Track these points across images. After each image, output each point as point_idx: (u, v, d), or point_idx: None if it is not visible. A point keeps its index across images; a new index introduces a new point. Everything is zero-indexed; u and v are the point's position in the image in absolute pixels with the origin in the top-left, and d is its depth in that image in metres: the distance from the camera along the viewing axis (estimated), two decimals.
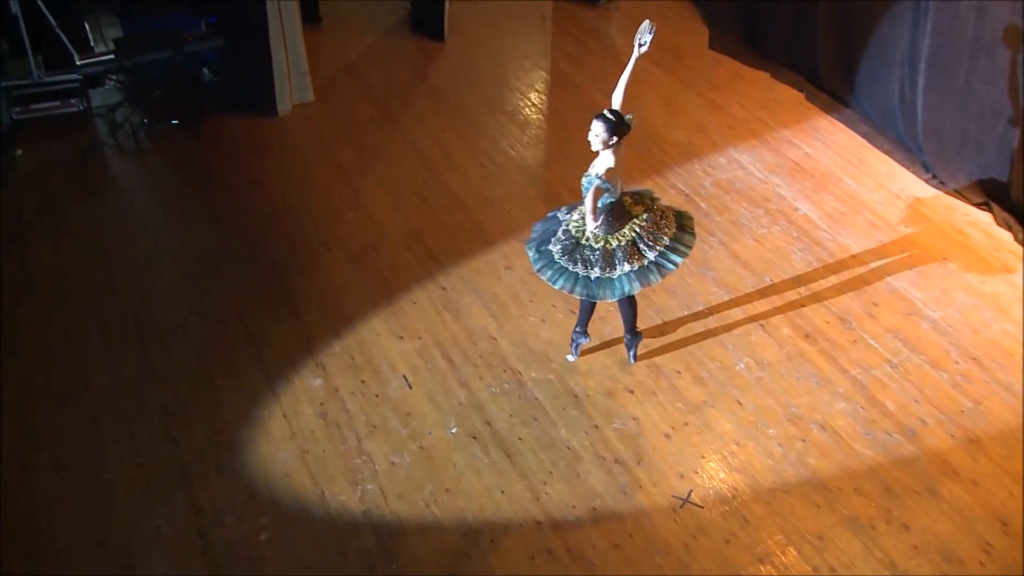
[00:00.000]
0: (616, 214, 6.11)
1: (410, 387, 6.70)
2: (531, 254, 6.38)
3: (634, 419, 6.46)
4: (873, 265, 7.58)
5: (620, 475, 6.13)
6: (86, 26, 10.00)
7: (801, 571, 5.62)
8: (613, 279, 6.11)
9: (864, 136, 8.94)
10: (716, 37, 10.40)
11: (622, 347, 6.88)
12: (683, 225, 6.36)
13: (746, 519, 5.89)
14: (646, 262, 6.11)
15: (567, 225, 6.29)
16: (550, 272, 6.22)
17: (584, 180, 5.99)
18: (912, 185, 8.39)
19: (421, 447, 6.30)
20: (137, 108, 9.13)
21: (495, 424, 6.42)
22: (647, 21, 6.14)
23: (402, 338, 7.06)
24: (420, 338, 7.04)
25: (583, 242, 6.16)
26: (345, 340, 7.03)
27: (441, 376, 6.78)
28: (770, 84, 9.71)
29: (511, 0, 11.43)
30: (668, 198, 8.19)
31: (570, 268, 6.16)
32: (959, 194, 8.21)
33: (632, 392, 6.63)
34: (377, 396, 6.64)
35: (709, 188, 8.37)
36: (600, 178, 5.88)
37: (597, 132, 5.88)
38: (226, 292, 7.45)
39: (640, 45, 6.15)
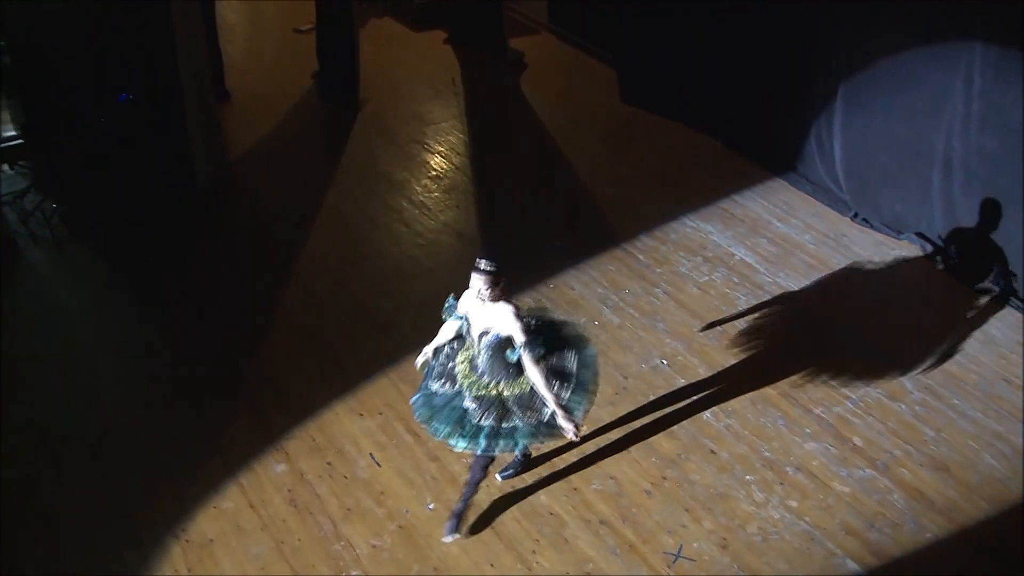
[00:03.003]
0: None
1: (379, 465, 6.48)
2: (458, 442, 5.56)
3: (612, 479, 6.37)
4: (816, 305, 7.70)
5: (608, 536, 6.02)
6: None
7: None
8: (565, 403, 5.55)
9: (786, 179, 9.14)
10: (628, 91, 10.51)
11: (592, 408, 6.78)
12: (577, 345, 5.83)
13: (741, 569, 5.84)
14: (572, 369, 5.66)
15: (472, 394, 5.59)
16: (502, 441, 5.52)
17: (509, 355, 5.43)
18: (839, 223, 8.61)
19: (400, 526, 6.07)
20: (49, 194, 8.70)
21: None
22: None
23: (362, 415, 6.85)
24: (381, 413, 6.84)
25: (508, 395, 5.55)
26: (303, 422, 6.77)
27: (408, 451, 6.58)
28: (687, 134, 9.86)
29: (415, 66, 11.38)
30: (605, 254, 8.23)
31: (520, 425, 5.52)
32: (885, 229, 8.44)
33: (605, 452, 6.54)
34: (346, 477, 6.40)
35: (644, 240, 8.41)
36: (525, 344, 5.36)
37: (481, 287, 5.32)
38: (171, 381, 7.13)
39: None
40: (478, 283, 5.34)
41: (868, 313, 7.64)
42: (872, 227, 8.53)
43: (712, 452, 6.54)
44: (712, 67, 9.71)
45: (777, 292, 7.83)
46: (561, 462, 6.44)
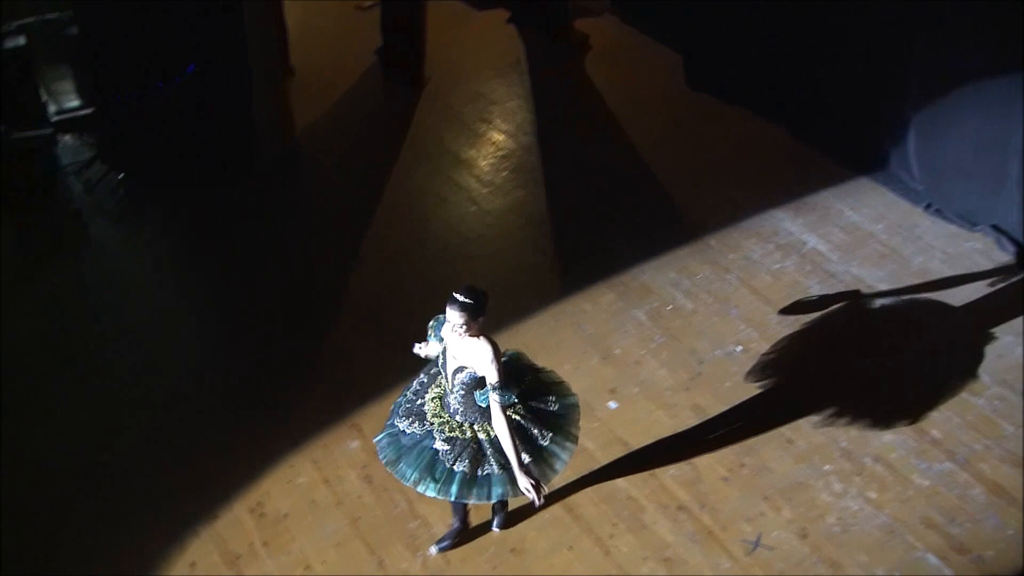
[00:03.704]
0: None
1: None
2: (428, 488, 5.12)
3: (689, 465, 6.31)
4: (890, 295, 7.59)
5: (686, 522, 5.96)
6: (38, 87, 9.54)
7: None
8: (543, 452, 5.21)
9: (856, 168, 9.00)
10: (694, 76, 10.38)
11: (664, 392, 6.75)
12: (558, 392, 5.53)
13: (821, 559, 5.77)
14: (556, 417, 5.34)
15: (443, 434, 5.19)
16: (476, 490, 5.12)
17: (478, 396, 5.04)
18: (911, 213, 8.47)
19: (475, 506, 6.03)
20: (114, 165, 8.69)
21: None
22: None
23: None
24: None
25: (483, 437, 5.17)
26: (376, 399, 6.73)
27: None
28: (754, 121, 9.72)
29: (477, 45, 11.28)
30: (675, 239, 8.14)
31: (496, 472, 5.11)
32: (958, 220, 8.30)
33: (682, 437, 6.48)
34: None
35: (715, 226, 8.32)
36: (497, 387, 4.93)
37: (456, 322, 4.87)
38: (239, 356, 7.12)
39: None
40: (453, 317, 4.87)
41: (942, 305, 7.51)
42: (945, 218, 8.38)
43: (789, 441, 6.46)
44: (782, 54, 9.56)
45: (850, 281, 7.72)
46: (638, 445, 6.39)
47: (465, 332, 4.88)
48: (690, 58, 10.39)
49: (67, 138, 9.37)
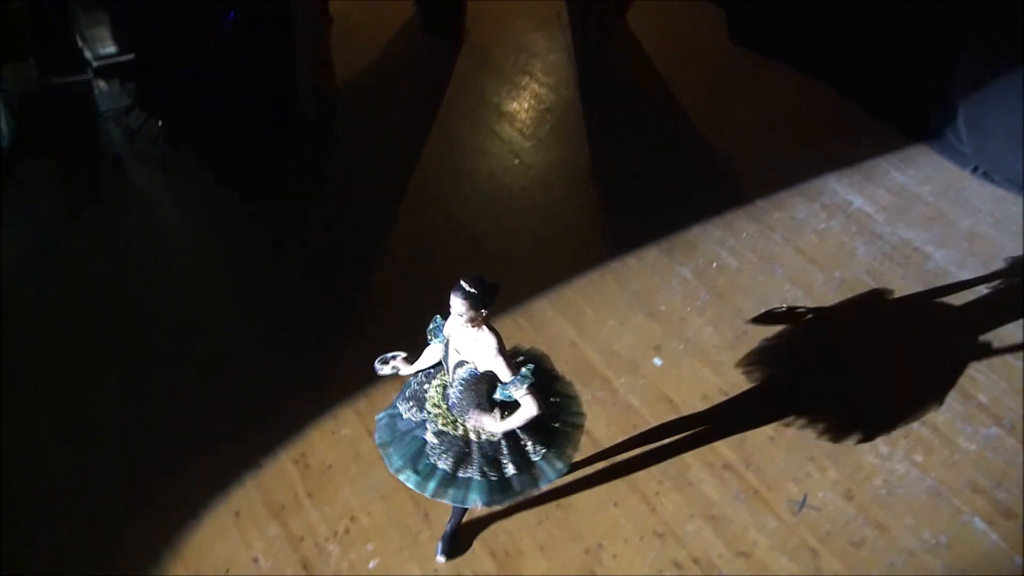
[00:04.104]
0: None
1: None
2: (409, 479, 4.95)
3: (734, 422, 6.26)
4: (938, 258, 7.49)
5: (732, 481, 5.94)
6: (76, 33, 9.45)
7: (932, 570, 5.49)
8: (533, 467, 4.96)
9: (902, 129, 8.86)
10: (737, 31, 10.22)
11: (710, 350, 6.70)
12: (545, 368, 5.27)
13: (867, 521, 5.74)
14: (557, 424, 5.08)
15: (436, 426, 4.97)
16: (452, 491, 4.89)
17: (500, 391, 4.77)
18: (958, 176, 8.35)
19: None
20: (153, 112, 8.63)
21: (595, 434, 6.17)
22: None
23: None
24: None
25: (474, 439, 4.93)
26: (420, 348, 6.66)
27: None
28: (799, 79, 9.58)
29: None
30: (720, 194, 8.06)
31: (476, 477, 4.89)
32: (1007, 184, 8.18)
33: (727, 395, 6.44)
34: None
35: (760, 184, 8.21)
36: (524, 376, 4.68)
37: (460, 311, 4.57)
38: (283, 309, 7.09)
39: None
40: (457, 305, 4.56)
41: (990, 268, 7.42)
42: (993, 181, 8.26)
43: (835, 402, 6.41)
44: (828, 10, 9.40)
45: (896, 243, 7.62)
46: (684, 406, 6.34)
47: (468, 323, 4.61)
48: (733, 12, 10.25)
49: (103, 84, 9.29)
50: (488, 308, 4.62)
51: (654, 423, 6.25)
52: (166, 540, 5.62)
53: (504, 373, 4.67)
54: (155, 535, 5.64)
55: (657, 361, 6.64)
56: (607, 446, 6.09)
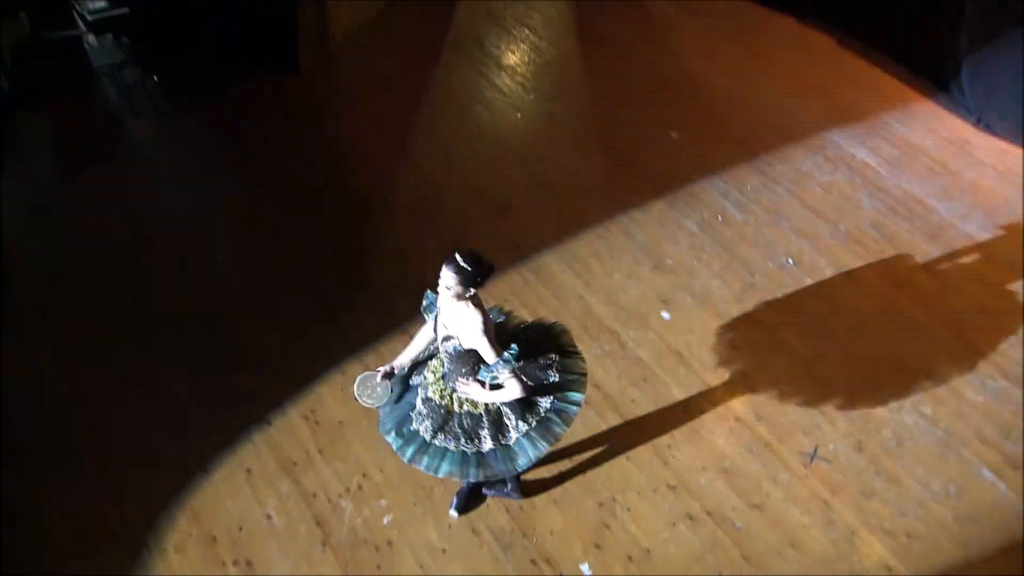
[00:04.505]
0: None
1: None
2: (393, 441, 4.91)
3: (744, 375, 6.27)
4: (942, 210, 7.49)
5: (743, 433, 5.94)
6: None
7: (943, 520, 5.53)
8: (511, 445, 4.82)
9: (902, 79, 8.83)
10: None
11: (718, 303, 6.68)
12: (560, 344, 5.06)
13: (877, 472, 5.77)
14: (543, 411, 4.83)
15: (426, 392, 4.90)
16: (427, 459, 4.81)
17: (482, 374, 4.60)
18: (960, 129, 8.33)
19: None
20: (148, 67, 8.46)
21: (605, 388, 6.17)
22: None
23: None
24: (505, 300, 6.71)
25: (456, 410, 4.83)
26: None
27: None
28: (798, 28, 9.51)
29: None
30: (724, 147, 8.00)
31: (451, 447, 4.81)
32: (1010, 136, 8.17)
33: (736, 348, 6.43)
34: None
35: (763, 135, 8.17)
36: (509, 358, 4.49)
37: (448, 283, 4.41)
38: (288, 262, 7.01)
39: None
40: (447, 278, 4.41)
41: (993, 221, 7.42)
42: (995, 134, 8.25)
43: (843, 354, 6.42)
44: None
45: (900, 196, 7.61)
46: (693, 359, 6.33)
47: (455, 297, 4.46)
48: None
49: (92, 39, 9.09)
50: (478, 288, 4.45)
51: (663, 376, 6.23)
52: (178, 499, 5.58)
53: (488, 353, 4.48)
54: (167, 494, 5.60)
55: (665, 314, 6.62)
56: (617, 400, 6.08)
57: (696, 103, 8.51)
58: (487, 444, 4.78)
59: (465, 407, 4.79)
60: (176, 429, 5.93)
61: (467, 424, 4.79)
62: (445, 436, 4.80)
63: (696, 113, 8.40)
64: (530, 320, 5.29)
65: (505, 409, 4.75)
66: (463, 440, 4.78)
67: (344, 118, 8.35)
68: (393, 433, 4.90)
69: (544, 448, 4.78)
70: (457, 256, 4.37)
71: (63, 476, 5.67)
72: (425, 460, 4.80)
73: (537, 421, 4.79)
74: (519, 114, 8.42)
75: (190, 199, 7.51)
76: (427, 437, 4.82)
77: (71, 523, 5.44)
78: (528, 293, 6.72)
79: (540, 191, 7.56)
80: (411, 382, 5.04)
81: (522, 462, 4.79)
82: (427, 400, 4.86)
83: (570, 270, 6.92)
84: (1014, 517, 5.59)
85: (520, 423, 4.77)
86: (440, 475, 4.82)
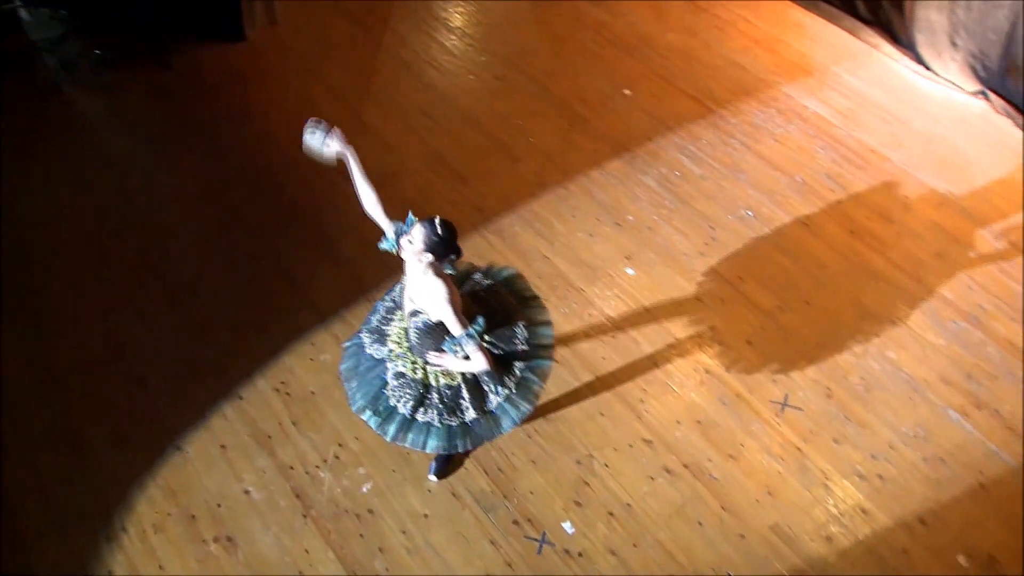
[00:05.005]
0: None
1: None
2: (370, 420, 4.82)
3: (711, 328, 6.32)
4: (895, 159, 7.59)
5: (714, 386, 6.01)
6: None
7: (913, 462, 5.66)
8: (493, 411, 4.81)
9: (848, 31, 8.90)
10: None
11: (681, 257, 6.72)
12: (524, 300, 5.07)
13: (847, 418, 5.88)
14: (519, 372, 4.81)
15: (397, 367, 4.80)
16: (412, 435, 4.77)
17: (447, 346, 4.49)
18: (909, 78, 8.42)
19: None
20: (90, 40, 8.23)
21: (575, 346, 6.19)
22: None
23: None
24: (469, 261, 6.67)
25: (434, 383, 4.78)
26: (393, 270, 6.57)
27: None
28: None
29: None
30: (678, 103, 8.02)
31: (436, 423, 4.77)
32: (953, 84, 8.28)
33: (702, 301, 6.48)
34: None
35: (713, 90, 8.20)
36: (475, 331, 4.39)
37: (417, 242, 4.27)
38: (249, 232, 6.89)
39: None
40: (417, 237, 4.27)
41: (945, 168, 7.54)
42: (944, 81, 8.35)
43: (807, 303, 6.50)
44: None
45: (854, 146, 7.69)
46: (660, 314, 6.37)
47: (416, 256, 4.31)
48: None
49: (26, 13, 8.80)
50: (441, 261, 4.32)
51: (632, 333, 6.27)
52: (153, 477, 5.51)
53: (454, 326, 4.37)
54: (142, 473, 5.52)
55: (629, 271, 6.64)
56: (588, 357, 6.10)
57: (648, 61, 8.50)
58: (470, 414, 4.77)
59: (443, 380, 4.75)
60: (147, 407, 5.84)
61: (448, 397, 4.76)
62: (426, 411, 4.77)
63: (648, 70, 8.39)
64: (481, 267, 5.26)
65: (483, 376, 4.73)
66: (446, 414, 4.76)
67: (294, 86, 8.20)
68: (368, 411, 4.83)
69: (527, 409, 4.81)
70: (436, 222, 4.27)
71: (32, 461, 5.56)
72: (410, 437, 4.77)
73: (516, 384, 4.79)
74: (472, 76, 8.33)
75: (141, 171, 7.35)
76: (407, 413, 4.77)
77: (44, 507, 5.35)
78: (493, 255, 6.71)
79: (499, 154, 7.52)
80: (373, 354, 4.96)
81: (506, 425, 4.81)
82: (399, 375, 4.79)
83: (533, 231, 6.91)
84: (981, 455, 5.74)
85: (499, 388, 4.77)
86: (428, 451, 4.81)
